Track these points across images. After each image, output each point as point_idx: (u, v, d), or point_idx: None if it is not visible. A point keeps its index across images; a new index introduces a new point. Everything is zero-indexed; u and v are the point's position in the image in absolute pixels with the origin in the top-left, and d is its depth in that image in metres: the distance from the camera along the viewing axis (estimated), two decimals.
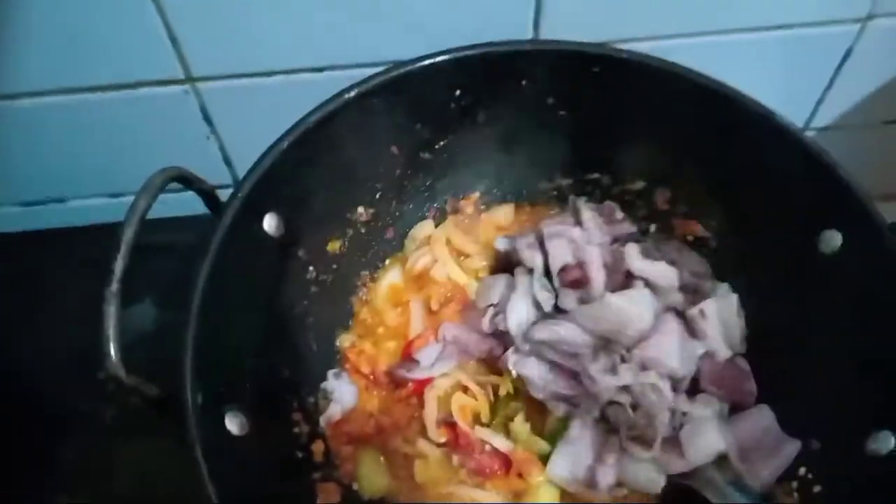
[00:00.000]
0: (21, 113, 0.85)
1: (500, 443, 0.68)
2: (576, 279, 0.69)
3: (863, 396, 0.64)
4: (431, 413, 0.69)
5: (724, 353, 0.71)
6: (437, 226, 0.82)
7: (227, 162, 0.94)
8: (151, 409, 0.56)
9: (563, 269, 0.70)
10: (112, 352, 0.52)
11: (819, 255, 0.68)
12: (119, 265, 0.54)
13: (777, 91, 0.74)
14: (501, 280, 0.74)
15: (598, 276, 0.70)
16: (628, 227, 0.75)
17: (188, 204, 0.88)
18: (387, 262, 0.81)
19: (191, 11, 0.76)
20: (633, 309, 0.68)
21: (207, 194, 0.65)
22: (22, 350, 0.86)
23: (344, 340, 0.76)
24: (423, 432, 0.70)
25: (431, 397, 0.70)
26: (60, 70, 0.81)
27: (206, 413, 0.56)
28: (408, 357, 0.73)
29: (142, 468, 0.76)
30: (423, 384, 0.71)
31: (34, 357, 0.86)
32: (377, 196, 0.78)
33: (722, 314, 0.72)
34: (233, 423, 0.59)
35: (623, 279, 0.72)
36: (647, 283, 0.72)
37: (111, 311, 0.53)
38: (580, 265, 0.70)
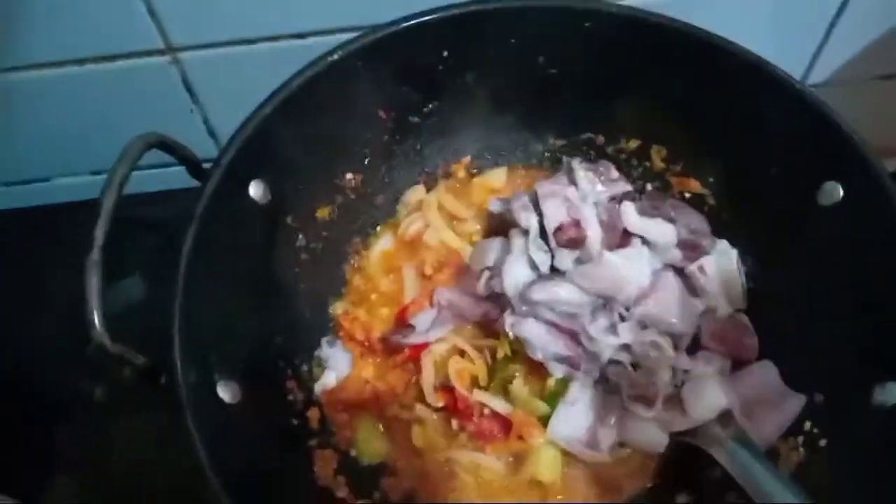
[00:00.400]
0: (2, 89, 0.82)
1: (500, 405, 0.66)
2: (572, 238, 0.68)
3: (867, 348, 0.62)
4: (429, 378, 0.68)
5: (724, 309, 0.70)
6: (428, 190, 0.80)
7: (212, 134, 0.92)
8: (141, 379, 0.54)
9: (559, 229, 0.68)
10: (96, 320, 0.51)
11: (819, 207, 0.66)
12: (99, 233, 0.52)
13: (772, 46, 0.72)
14: (496, 243, 0.73)
15: (594, 235, 0.68)
16: (624, 186, 0.74)
17: (178, 177, 0.86)
18: (378, 228, 0.79)
19: None
20: (631, 267, 0.67)
21: (191, 162, 0.63)
22: (10, 330, 0.84)
23: (337, 308, 0.75)
24: (421, 397, 0.68)
25: (428, 362, 0.68)
26: (37, 44, 0.79)
27: (197, 381, 0.55)
28: (402, 323, 0.71)
29: (140, 445, 0.75)
30: (418, 349, 0.69)
31: (23, 337, 0.84)
32: (366, 161, 0.77)
33: (722, 270, 0.71)
34: (225, 392, 0.57)
35: (620, 238, 0.70)
36: (645, 241, 0.71)
37: (93, 281, 0.51)
38: (576, 224, 0.68)
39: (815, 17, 0.88)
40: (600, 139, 0.80)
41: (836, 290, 0.66)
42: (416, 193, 0.80)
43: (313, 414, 0.67)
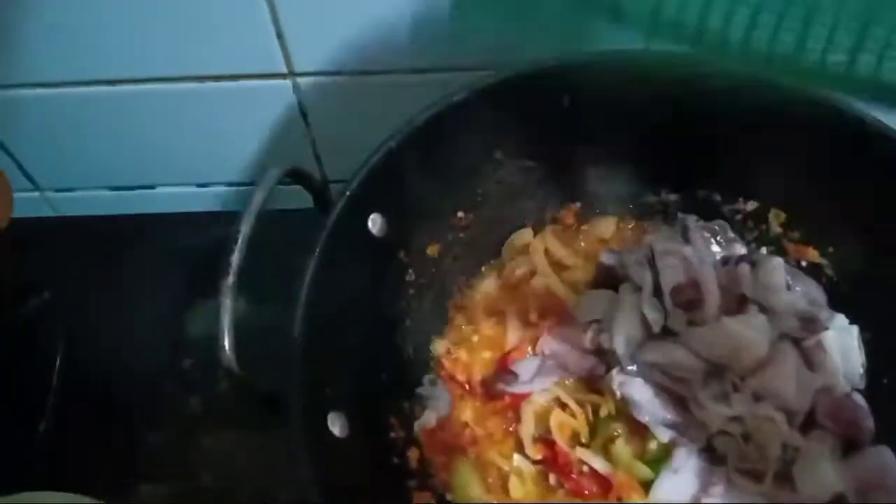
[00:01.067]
0: (121, 98, 0.85)
1: (600, 465, 0.64)
2: (690, 300, 0.66)
3: None
4: (528, 428, 0.67)
5: (842, 387, 0.67)
6: (535, 234, 0.79)
7: (318, 159, 0.94)
8: (257, 405, 0.55)
9: (677, 289, 0.66)
10: (227, 345, 0.51)
11: None
12: (236, 258, 0.53)
13: None
14: (605, 296, 0.71)
15: (712, 298, 0.66)
16: (740, 249, 0.72)
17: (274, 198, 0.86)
18: (483, 269, 0.79)
19: (300, 4, 0.75)
20: (749, 335, 0.64)
21: (319, 191, 0.64)
22: (108, 336, 0.86)
23: (439, 347, 0.74)
24: (519, 447, 0.67)
25: (529, 412, 0.67)
26: (165, 58, 0.81)
27: (311, 413, 0.55)
28: (504, 369, 0.70)
29: (226, 460, 0.76)
30: (519, 398, 0.68)
31: (118, 343, 0.86)
32: (478, 201, 0.76)
33: (841, 346, 0.68)
34: (335, 425, 0.57)
35: (736, 303, 0.68)
36: (762, 309, 0.68)
37: (227, 304, 0.52)
38: (694, 285, 0.66)
39: None
40: (716, 197, 0.78)
41: None
42: (524, 237, 0.79)
43: (413, 454, 0.67)
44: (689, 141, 0.74)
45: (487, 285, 0.77)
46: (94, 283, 0.90)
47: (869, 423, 0.67)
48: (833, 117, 0.67)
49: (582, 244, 0.79)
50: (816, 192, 0.72)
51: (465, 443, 0.67)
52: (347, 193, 0.63)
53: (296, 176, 0.61)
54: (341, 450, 0.57)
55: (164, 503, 0.76)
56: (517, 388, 0.67)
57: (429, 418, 0.68)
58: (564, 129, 0.75)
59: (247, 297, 0.84)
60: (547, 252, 0.77)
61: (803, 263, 0.75)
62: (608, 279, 0.73)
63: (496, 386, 0.69)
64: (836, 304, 0.73)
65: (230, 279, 0.52)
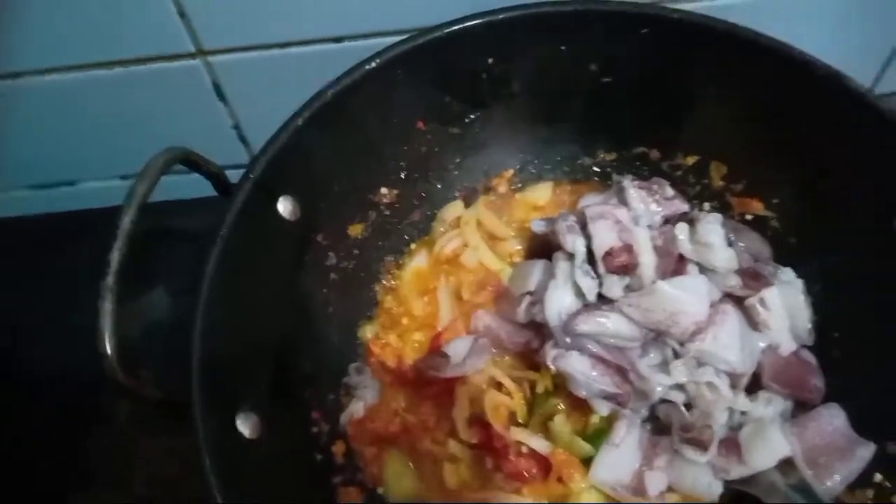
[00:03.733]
0: (27, 92, 0.80)
1: (539, 444, 0.61)
2: (623, 264, 0.62)
3: None
4: (462, 412, 0.63)
5: (788, 345, 0.64)
6: (467, 206, 0.76)
7: (244, 141, 0.89)
8: (158, 411, 0.51)
9: (609, 253, 0.63)
10: (108, 351, 0.47)
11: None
12: (115, 256, 0.49)
13: (839, 54, 0.66)
14: (538, 266, 0.68)
15: (647, 261, 0.63)
16: (680, 206, 0.68)
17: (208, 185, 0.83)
18: (412, 246, 0.75)
19: None
20: (687, 298, 0.61)
21: (215, 176, 0.60)
22: (36, 341, 0.82)
23: (367, 332, 0.71)
24: (454, 433, 0.64)
25: (462, 394, 0.64)
26: (66, 46, 0.77)
27: (217, 415, 0.51)
28: (436, 350, 0.67)
29: (162, 466, 0.72)
30: (453, 381, 0.65)
31: (47, 348, 0.82)
32: (402, 175, 0.73)
33: (786, 302, 0.65)
34: (245, 426, 0.54)
35: (675, 264, 0.65)
36: (702, 268, 0.65)
37: (107, 308, 0.48)
38: (627, 248, 0.63)
39: (887, 21, 0.81)
40: (655, 154, 0.75)
41: None
42: (454, 209, 0.75)
43: (339, 448, 0.64)
44: (621, 96, 0.71)
45: (418, 263, 0.73)
46: (16, 286, 0.86)
47: (817, 381, 0.64)
48: (766, 58, 0.63)
49: (516, 214, 0.75)
50: (756, 140, 0.69)
51: (397, 432, 0.64)
52: (250, 178, 0.59)
53: (186, 162, 0.57)
54: (254, 452, 0.54)
55: None
56: (448, 373, 0.64)
57: (356, 408, 0.65)
58: (490, 92, 0.71)
59: (166, 291, 0.82)
60: (480, 224, 0.74)
61: (748, 217, 0.72)
62: (542, 248, 0.70)
63: (427, 373, 0.65)
64: (784, 257, 0.70)
65: (108, 280, 0.48)
